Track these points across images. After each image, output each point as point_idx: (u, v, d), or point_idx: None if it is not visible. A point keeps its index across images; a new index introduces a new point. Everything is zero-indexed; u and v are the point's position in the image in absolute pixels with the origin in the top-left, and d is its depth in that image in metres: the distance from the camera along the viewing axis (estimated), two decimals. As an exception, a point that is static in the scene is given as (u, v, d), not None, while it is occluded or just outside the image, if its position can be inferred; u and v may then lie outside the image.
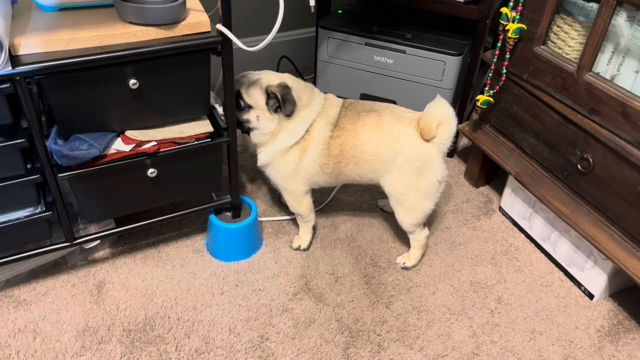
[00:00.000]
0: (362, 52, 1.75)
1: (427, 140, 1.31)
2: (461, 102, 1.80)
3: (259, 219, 1.60)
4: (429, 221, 1.64)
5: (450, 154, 1.91)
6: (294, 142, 1.33)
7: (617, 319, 1.37)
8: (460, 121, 1.77)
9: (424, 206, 1.37)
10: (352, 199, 1.71)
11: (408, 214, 1.39)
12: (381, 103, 1.39)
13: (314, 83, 1.93)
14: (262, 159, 1.39)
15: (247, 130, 1.37)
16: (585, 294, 1.43)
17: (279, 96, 1.29)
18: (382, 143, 1.32)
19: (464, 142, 1.97)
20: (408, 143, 1.31)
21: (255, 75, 1.34)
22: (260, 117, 1.32)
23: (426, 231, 1.44)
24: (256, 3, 2.07)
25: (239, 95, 1.31)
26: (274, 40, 2.19)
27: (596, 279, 1.38)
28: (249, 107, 1.32)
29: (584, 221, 1.34)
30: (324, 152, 1.34)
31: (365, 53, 1.74)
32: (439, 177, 1.34)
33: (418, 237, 1.44)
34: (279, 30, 2.20)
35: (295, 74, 2.16)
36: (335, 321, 1.33)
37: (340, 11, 1.87)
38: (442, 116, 1.28)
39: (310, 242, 1.53)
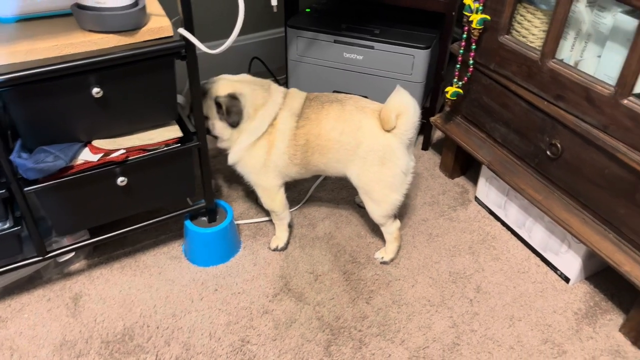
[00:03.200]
0: (332, 49, 1.75)
1: (388, 131, 1.32)
2: (432, 95, 1.81)
3: (236, 222, 1.59)
4: (407, 214, 1.64)
5: (425, 146, 1.92)
6: (256, 138, 1.36)
7: (594, 300, 1.40)
8: (432, 114, 1.79)
9: (391, 198, 1.38)
10: (330, 197, 1.71)
11: (376, 206, 1.40)
12: (345, 94, 1.41)
13: (286, 83, 1.92)
14: (231, 158, 1.42)
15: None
16: (562, 278, 1.45)
17: (224, 107, 1.33)
18: (344, 131, 1.34)
19: (438, 134, 1.99)
20: (369, 133, 1.33)
21: (208, 84, 1.37)
22: (215, 125, 1.37)
23: (397, 223, 1.45)
24: (223, 6, 2.05)
25: None
26: (245, 42, 2.19)
27: (571, 262, 1.40)
28: (205, 117, 1.34)
29: (556, 206, 1.36)
30: (292, 143, 1.37)
31: (335, 50, 1.75)
32: (402, 169, 1.34)
33: (390, 230, 1.45)
34: (250, 32, 2.20)
35: (267, 74, 2.16)
36: (316, 320, 1.33)
37: (308, 10, 1.86)
38: (401, 107, 1.29)
39: (288, 241, 1.53)
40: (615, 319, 1.35)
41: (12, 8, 1.07)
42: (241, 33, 2.17)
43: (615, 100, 1.14)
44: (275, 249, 1.51)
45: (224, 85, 1.36)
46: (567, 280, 1.44)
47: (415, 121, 1.31)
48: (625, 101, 1.12)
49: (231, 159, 1.42)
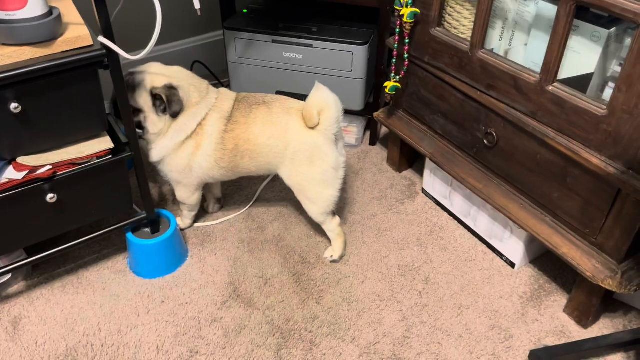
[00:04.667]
0: (270, 49, 1.73)
1: (313, 128, 1.31)
2: (375, 90, 1.82)
3: (181, 230, 1.56)
4: (355, 211, 1.65)
5: (373, 142, 1.93)
6: (184, 137, 1.34)
7: (538, 283, 1.43)
8: (376, 109, 1.79)
9: (326, 195, 1.38)
10: (279, 197, 1.70)
11: (313, 205, 1.41)
12: (272, 95, 1.41)
13: (229, 85, 1.90)
14: (154, 155, 1.38)
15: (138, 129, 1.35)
16: (507, 264, 1.47)
17: (164, 98, 1.29)
18: (272, 135, 1.34)
19: (384, 129, 1.99)
20: (295, 134, 1.33)
21: (140, 75, 1.31)
22: (147, 118, 1.32)
23: (337, 219, 1.45)
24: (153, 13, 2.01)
25: None
26: (186, 46, 2.15)
27: (514, 248, 1.43)
28: (138, 110, 1.30)
29: (495, 194, 1.38)
30: (219, 147, 1.35)
31: (274, 50, 1.73)
32: (332, 164, 1.35)
33: (330, 227, 1.45)
34: (190, 35, 2.16)
35: (211, 78, 2.13)
36: (266, 324, 1.32)
37: (245, 10, 1.84)
38: (322, 103, 1.29)
39: (191, 225, 1.58)
40: (559, 300, 1.38)
41: None
42: (181, 37, 2.13)
43: (541, 87, 1.16)
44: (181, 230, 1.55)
45: (159, 77, 1.31)
46: (512, 265, 1.46)
47: (338, 116, 1.31)
48: (551, 87, 1.14)
49: (154, 157, 1.38)
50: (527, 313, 1.35)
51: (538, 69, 1.17)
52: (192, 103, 1.33)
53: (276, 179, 1.75)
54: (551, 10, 1.17)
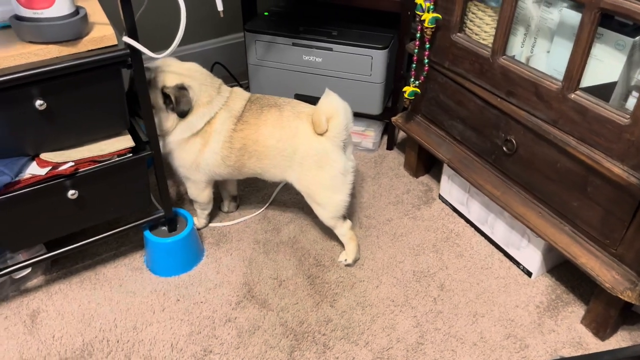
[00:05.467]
0: (291, 52, 1.74)
1: (321, 134, 1.32)
2: (393, 95, 1.82)
3: (197, 229, 1.58)
4: (372, 215, 1.64)
5: (390, 146, 1.93)
6: (189, 135, 1.35)
7: (555, 293, 1.41)
8: (394, 114, 1.79)
9: (335, 199, 1.38)
10: (294, 200, 1.70)
11: (323, 210, 1.41)
12: (285, 98, 1.41)
13: (248, 87, 1.91)
14: (163, 148, 1.39)
15: None
16: (524, 272, 1.46)
17: (173, 98, 1.30)
18: (281, 138, 1.34)
19: (402, 134, 1.99)
20: (304, 138, 1.33)
21: (153, 72, 1.32)
22: (156, 114, 1.32)
23: (348, 223, 1.45)
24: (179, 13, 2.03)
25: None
26: (206, 47, 2.17)
27: (532, 256, 1.42)
28: None
29: (513, 201, 1.37)
30: (226, 145, 1.36)
31: (294, 53, 1.74)
32: (340, 170, 1.34)
33: (342, 231, 1.45)
34: (211, 37, 2.18)
35: (230, 79, 2.14)
36: (279, 325, 1.32)
37: (266, 13, 1.85)
38: (330, 110, 1.29)
39: (206, 225, 1.60)
40: (576, 310, 1.36)
41: (-53, 21, 1.04)
42: (202, 38, 2.15)
43: (563, 95, 1.15)
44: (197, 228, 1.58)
45: (172, 75, 1.32)
46: (529, 274, 1.45)
47: (347, 123, 1.31)
48: (573, 95, 1.13)
49: (164, 149, 1.39)
50: (544, 323, 1.33)
51: (560, 77, 1.16)
52: (201, 103, 1.34)
53: (293, 181, 1.75)
54: (575, 17, 1.16)
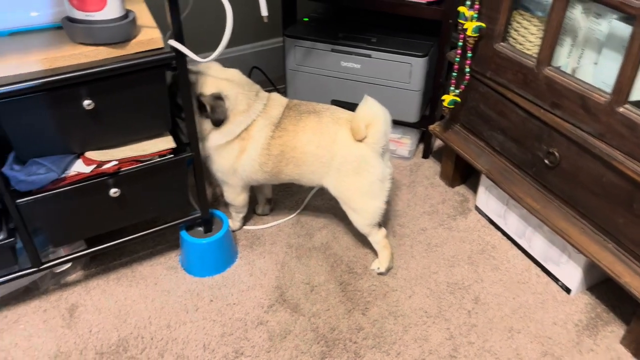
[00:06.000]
0: (329, 58, 1.74)
1: (360, 141, 1.31)
2: (432, 103, 1.80)
3: (232, 231, 1.59)
4: (405, 224, 1.63)
5: (426, 155, 1.91)
6: (227, 140, 1.36)
7: (595, 312, 1.37)
8: (432, 122, 1.77)
9: (372, 206, 1.37)
10: (328, 205, 1.70)
11: (358, 216, 1.40)
12: (323, 104, 1.41)
13: (285, 92, 1.92)
14: (201, 151, 1.40)
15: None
16: (563, 289, 1.42)
17: (208, 107, 1.31)
18: (320, 145, 1.34)
19: (438, 142, 1.97)
20: (343, 145, 1.33)
21: (193, 76, 1.32)
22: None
23: (383, 231, 1.44)
24: (221, 18, 2.06)
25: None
26: (245, 52, 2.20)
27: (572, 273, 1.38)
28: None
29: (554, 216, 1.34)
30: (264, 152, 1.37)
31: (332, 59, 1.74)
32: (378, 176, 1.34)
33: (376, 239, 1.44)
34: (249, 41, 2.21)
35: (267, 84, 2.16)
36: (311, 331, 1.32)
37: (306, 19, 1.87)
38: (370, 117, 1.29)
39: (241, 227, 1.62)
40: (616, 330, 1.32)
41: (4, 22, 1.08)
42: (241, 42, 2.18)
43: (611, 108, 1.11)
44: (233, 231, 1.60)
45: (210, 83, 1.33)
46: (568, 291, 1.41)
47: (386, 130, 1.30)
48: (621, 109, 1.10)
49: (202, 152, 1.40)
50: (582, 342, 1.29)
51: (608, 89, 1.13)
52: (238, 111, 1.34)
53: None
54: (625, 29, 1.13)
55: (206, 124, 1.35)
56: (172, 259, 1.51)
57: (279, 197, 1.73)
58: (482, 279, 1.46)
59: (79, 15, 1.04)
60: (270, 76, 2.18)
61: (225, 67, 1.39)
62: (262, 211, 1.66)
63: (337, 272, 1.48)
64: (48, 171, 1.11)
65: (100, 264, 1.49)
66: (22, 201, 1.12)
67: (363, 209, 1.38)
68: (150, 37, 1.11)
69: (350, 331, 1.32)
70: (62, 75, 1.03)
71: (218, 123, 1.33)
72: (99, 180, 1.18)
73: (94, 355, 1.25)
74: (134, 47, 1.10)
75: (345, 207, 1.42)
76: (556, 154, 1.29)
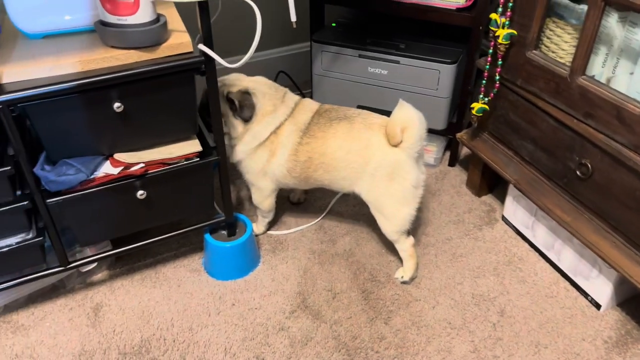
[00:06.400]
0: (356, 64, 1.74)
1: (395, 146, 1.30)
2: (459, 111, 1.78)
3: (256, 235, 1.59)
4: (430, 233, 1.61)
5: (452, 163, 1.88)
6: (257, 144, 1.38)
7: (625, 329, 1.32)
8: (459, 130, 1.75)
9: (403, 212, 1.35)
10: (351, 212, 1.69)
11: (388, 222, 1.39)
12: (355, 110, 1.41)
13: (311, 97, 1.92)
14: (234, 156, 1.44)
15: None
16: (592, 304, 1.38)
17: (236, 102, 1.34)
18: (351, 150, 1.34)
19: (465, 150, 1.94)
20: (377, 150, 1.32)
21: (220, 81, 1.37)
22: (226, 122, 1.38)
23: (411, 240, 1.42)
24: (249, 22, 2.08)
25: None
26: (271, 56, 2.20)
27: (602, 288, 1.34)
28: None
29: (585, 228, 1.30)
30: (291, 158, 1.38)
31: (359, 65, 1.73)
32: (412, 182, 1.32)
33: (404, 247, 1.42)
34: (276, 46, 2.22)
35: (293, 88, 2.16)
36: (332, 339, 1.31)
37: (334, 24, 1.86)
38: (405, 120, 1.28)
39: (265, 232, 1.61)
40: (649, 349, 1.28)
41: (39, 25, 1.10)
42: (268, 47, 2.19)
43: (648, 120, 1.08)
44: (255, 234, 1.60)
45: (235, 83, 1.38)
46: (597, 306, 1.37)
47: (422, 134, 1.29)
48: (659, 120, 1.06)
49: (234, 157, 1.44)
50: (611, 359, 1.25)
51: (645, 100, 1.10)
52: (265, 111, 1.37)
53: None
54: (665, 38, 1.09)
55: (238, 126, 1.37)
56: (196, 261, 1.52)
57: (302, 202, 1.73)
58: (509, 291, 1.42)
59: (111, 19, 1.05)
60: (296, 81, 2.18)
61: (251, 72, 1.43)
62: (299, 199, 1.69)
63: (360, 279, 1.46)
64: (77, 172, 1.13)
65: (125, 264, 1.50)
66: (52, 201, 1.14)
67: (394, 215, 1.37)
68: (180, 41, 1.12)
69: (372, 340, 1.30)
70: (94, 78, 1.05)
71: (247, 118, 1.36)
72: (126, 182, 1.20)
73: (117, 356, 1.26)
74: (164, 50, 1.11)
75: (375, 213, 1.41)
76: (588, 165, 1.25)
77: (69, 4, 1.11)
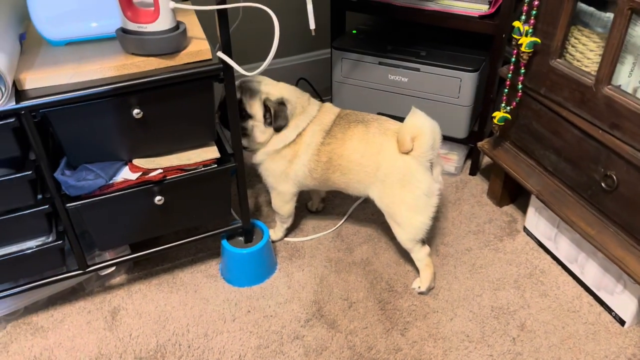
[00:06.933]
0: (376, 71, 1.72)
1: (406, 153, 1.29)
2: (481, 119, 1.75)
3: (272, 242, 1.59)
4: (450, 243, 1.58)
5: (473, 172, 1.85)
6: (283, 145, 1.38)
7: (652, 347, 1.28)
8: (480, 138, 1.72)
9: (416, 221, 1.34)
10: (370, 220, 1.67)
11: (402, 230, 1.37)
12: (374, 115, 1.41)
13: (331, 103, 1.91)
14: (255, 158, 1.45)
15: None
16: (616, 320, 1.34)
17: (272, 112, 1.34)
18: (365, 154, 1.34)
19: (487, 159, 1.91)
20: (388, 156, 1.31)
21: (255, 84, 1.38)
22: (254, 128, 1.38)
23: (426, 249, 1.40)
24: (267, 29, 2.08)
25: (240, 102, 1.36)
26: (292, 63, 2.21)
27: (627, 303, 1.29)
28: (249, 116, 1.37)
29: (610, 242, 1.26)
30: (314, 158, 1.38)
31: (380, 72, 1.72)
32: (424, 191, 1.30)
33: (419, 256, 1.40)
34: (296, 53, 2.22)
35: (313, 95, 2.16)
36: (347, 349, 1.29)
37: (354, 31, 1.85)
38: (416, 129, 1.27)
39: (282, 238, 1.60)
40: (676, 369, 1.23)
41: (62, 32, 1.12)
42: (288, 54, 2.19)
43: (677, 131, 1.04)
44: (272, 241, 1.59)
45: (274, 90, 1.38)
46: (622, 322, 1.32)
47: (434, 143, 1.28)
48: (689, 132, 1.03)
49: (256, 159, 1.44)
50: (637, 379, 1.21)
51: (674, 111, 1.06)
52: (295, 115, 1.38)
53: (368, 200, 1.73)
54: (696, 47, 1.06)
55: (266, 133, 1.38)
56: (213, 267, 1.52)
57: (321, 211, 1.72)
58: (529, 305, 1.39)
59: (132, 26, 1.07)
60: (316, 87, 2.18)
61: (272, 78, 1.43)
62: (317, 207, 1.69)
63: (377, 289, 1.45)
64: (97, 177, 1.14)
65: (142, 268, 1.51)
66: (72, 205, 1.16)
67: (407, 223, 1.35)
68: (199, 48, 1.13)
69: (387, 351, 1.28)
70: (114, 84, 1.06)
71: (280, 129, 1.37)
72: (145, 187, 1.21)
73: (133, 360, 1.27)
74: (183, 58, 1.12)
75: (389, 220, 1.40)
76: (614, 177, 1.22)
77: (91, 12, 1.13)
